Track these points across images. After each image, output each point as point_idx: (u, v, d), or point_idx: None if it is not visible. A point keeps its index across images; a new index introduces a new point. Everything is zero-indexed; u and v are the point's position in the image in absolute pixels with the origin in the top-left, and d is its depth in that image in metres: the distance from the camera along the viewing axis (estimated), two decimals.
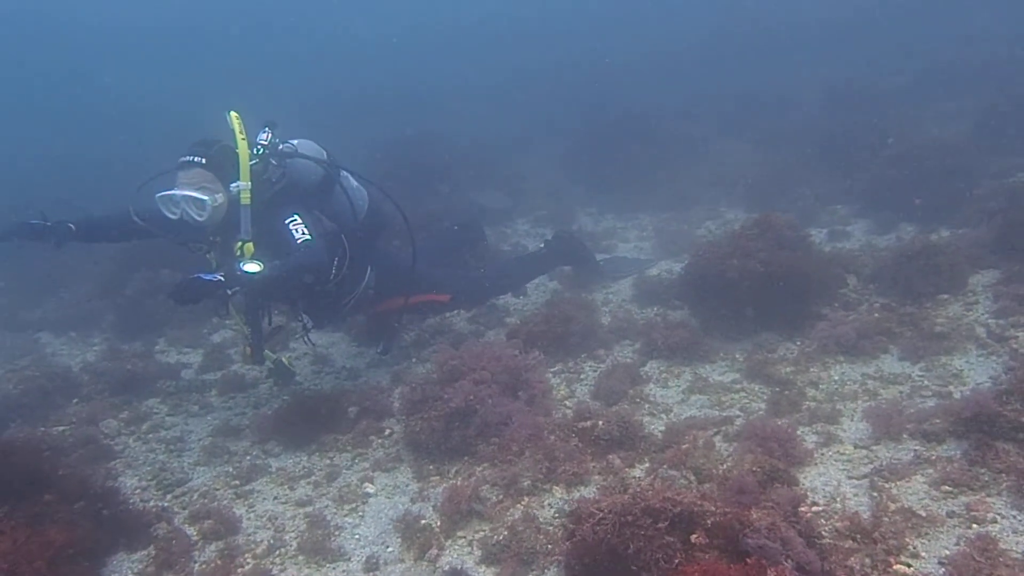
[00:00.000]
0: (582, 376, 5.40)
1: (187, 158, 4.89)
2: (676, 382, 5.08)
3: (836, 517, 3.02)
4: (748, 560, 2.30)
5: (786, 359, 5.06)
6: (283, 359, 5.66)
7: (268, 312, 5.54)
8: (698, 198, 10.28)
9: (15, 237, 5.15)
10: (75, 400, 6.12)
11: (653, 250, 8.52)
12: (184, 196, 4.81)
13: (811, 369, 4.83)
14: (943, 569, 2.75)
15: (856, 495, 3.36)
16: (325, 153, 5.48)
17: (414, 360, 6.27)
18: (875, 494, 3.29)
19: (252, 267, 4.60)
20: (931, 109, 12.08)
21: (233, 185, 4.87)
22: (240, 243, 4.87)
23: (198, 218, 4.86)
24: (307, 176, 5.34)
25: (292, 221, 4.94)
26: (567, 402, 4.99)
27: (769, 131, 12.32)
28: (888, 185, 8.22)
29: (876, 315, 5.32)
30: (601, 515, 2.76)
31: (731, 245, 5.92)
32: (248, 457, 4.93)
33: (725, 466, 3.57)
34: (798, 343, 5.27)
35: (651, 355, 5.51)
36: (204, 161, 4.86)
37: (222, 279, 4.42)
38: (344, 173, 5.57)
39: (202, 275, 4.42)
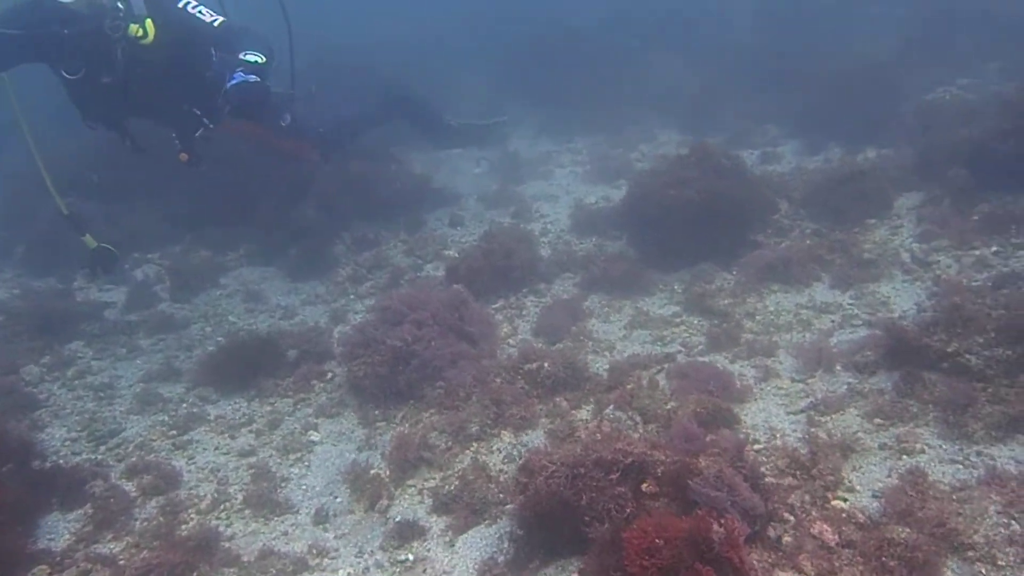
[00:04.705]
0: (524, 312, 5.39)
1: None
2: (617, 316, 5.13)
3: (777, 454, 3.15)
4: (698, 511, 2.37)
5: (724, 290, 5.15)
6: (107, 244, 5.44)
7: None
8: (631, 119, 10.15)
9: None
10: None
11: (587, 175, 8.44)
12: None
13: (748, 300, 4.95)
14: (876, 502, 2.91)
15: (794, 431, 3.51)
16: None
17: (352, 296, 6.16)
18: (812, 429, 3.44)
19: (253, 57, 4.27)
20: (862, 19, 12.07)
21: None
22: (138, 24, 4.43)
23: None
24: None
25: (187, 5, 4.62)
26: (511, 340, 4.99)
27: (700, 49, 12.08)
28: (816, 105, 8.30)
29: (808, 242, 5.45)
30: (553, 468, 2.79)
31: (668, 174, 5.92)
32: (184, 404, 4.80)
33: (670, 406, 3.65)
34: (734, 272, 5.37)
35: (592, 289, 5.53)
36: None
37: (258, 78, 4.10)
38: None
39: (240, 80, 4.07)
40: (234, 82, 4.11)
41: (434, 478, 3.68)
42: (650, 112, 10.29)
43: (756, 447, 3.28)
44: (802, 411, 3.61)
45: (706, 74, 10.79)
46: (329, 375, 4.90)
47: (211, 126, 5.17)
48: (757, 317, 4.73)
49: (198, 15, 4.63)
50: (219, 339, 5.65)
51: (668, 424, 3.43)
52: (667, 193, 5.67)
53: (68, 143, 7.87)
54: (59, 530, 3.66)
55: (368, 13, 17.64)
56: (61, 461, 4.14)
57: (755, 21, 12.72)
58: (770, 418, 3.63)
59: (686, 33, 13.02)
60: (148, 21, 4.44)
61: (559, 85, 11.11)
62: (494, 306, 5.49)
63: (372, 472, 3.77)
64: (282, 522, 3.61)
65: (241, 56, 4.29)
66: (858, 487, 3.02)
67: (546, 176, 8.61)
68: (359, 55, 11.72)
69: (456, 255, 6.46)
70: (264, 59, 4.28)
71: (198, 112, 5.13)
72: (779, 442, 3.35)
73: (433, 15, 17.06)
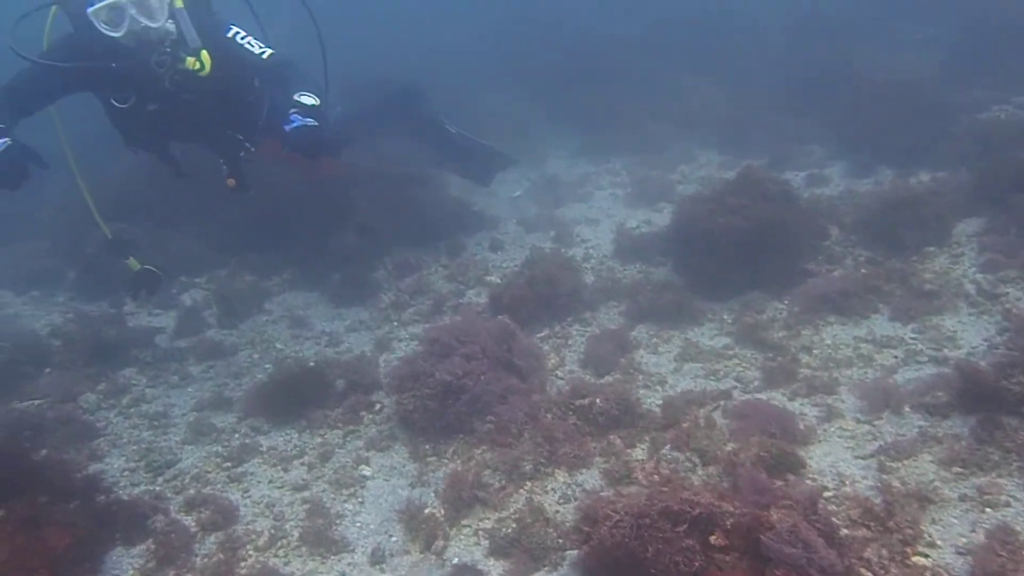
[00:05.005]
0: (570, 342, 5.34)
1: None
2: (666, 348, 5.06)
3: (848, 503, 3.05)
4: (774, 571, 2.30)
5: (776, 320, 5.05)
6: (150, 267, 5.55)
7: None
8: (669, 138, 10.07)
9: (22, 177, 4.20)
10: (47, 370, 5.87)
11: (627, 197, 8.37)
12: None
13: (803, 332, 4.84)
14: (962, 560, 2.79)
15: (865, 477, 3.39)
16: None
17: (395, 323, 6.16)
18: (884, 476, 3.33)
19: (307, 99, 4.28)
20: (901, 37, 11.87)
21: None
22: (194, 57, 4.45)
23: (153, 24, 4.35)
24: None
25: (236, 35, 4.64)
26: (558, 371, 4.95)
27: (733, 63, 11.85)
28: (861, 124, 8.15)
29: (863, 271, 5.32)
30: (618, 517, 2.75)
31: (715, 201, 5.84)
32: (236, 435, 4.82)
33: (729, 447, 3.58)
34: (786, 302, 5.26)
35: (639, 318, 5.46)
36: None
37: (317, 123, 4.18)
38: None
39: (299, 124, 4.12)
40: (294, 125, 4.16)
41: (489, 518, 3.64)
42: (687, 131, 10.18)
43: (825, 494, 3.19)
44: (871, 455, 3.50)
45: (743, 92, 10.67)
46: (377, 406, 4.89)
47: (252, 149, 5.25)
48: (814, 351, 4.62)
49: (247, 46, 4.68)
50: (267, 366, 5.69)
51: (730, 467, 3.36)
52: (715, 220, 5.59)
53: (115, 168, 8.03)
54: (123, 566, 3.69)
55: (397, 25, 17.76)
56: (123, 495, 4.18)
57: (789, 37, 12.57)
58: (837, 463, 3.52)
59: (719, 50, 12.85)
60: (204, 53, 4.51)
61: (594, 104, 11.07)
62: (539, 335, 5.45)
63: (426, 511, 3.75)
64: (339, 561, 3.59)
65: (296, 97, 4.32)
66: (939, 542, 2.89)
67: (585, 199, 8.57)
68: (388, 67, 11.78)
69: (498, 281, 6.45)
70: (319, 101, 4.31)
71: (240, 137, 5.21)
72: (849, 489, 3.25)
73: (464, 33, 17.08)
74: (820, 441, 3.71)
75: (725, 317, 5.30)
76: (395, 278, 6.91)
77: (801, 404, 4.09)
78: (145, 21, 4.32)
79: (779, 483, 3.04)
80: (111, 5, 4.24)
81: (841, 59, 10.12)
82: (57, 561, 3.30)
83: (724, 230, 5.51)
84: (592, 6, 16.49)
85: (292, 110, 4.25)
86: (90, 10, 4.27)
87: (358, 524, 3.84)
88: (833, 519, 2.82)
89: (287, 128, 4.13)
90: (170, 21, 4.49)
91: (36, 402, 5.41)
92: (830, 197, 6.89)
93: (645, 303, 5.47)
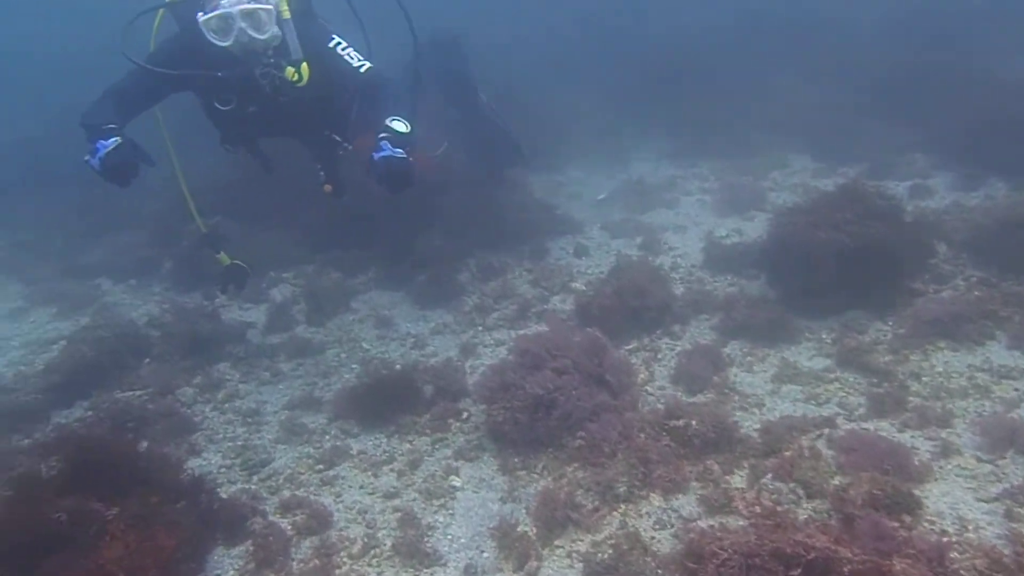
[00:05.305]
0: (660, 356, 5.24)
1: None
2: (762, 367, 4.90)
3: (972, 551, 2.87)
4: None
5: (880, 343, 4.83)
6: (239, 261, 5.65)
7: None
8: (759, 142, 9.76)
9: (132, 175, 4.26)
10: (146, 360, 6.10)
11: (716, 204, 8.14)
12: (245, 10, 4.28)
13: (911, 357, 4.61)
14: None
15: (990, 523, 3.20)
16: None
17: (480, 328, 6.16)
18: (1012, 524, 3.12)
19: (400, 125, 4.26)
20: (1013, 37, 11.19)
21: None
22: (294, 68, 4.48)
23: (260, 36, 4.39)
24: None
25: (337, 45, 4.66)
26: (648, 387, 4.85)
27: (827, 62, 11.42)
28: (969, 131, 7.71)
29: (976, 293, 5.03)
30: (726, 556, 2.66)
31: (814, 213, 5.62)
32: (327, 437, 4.89)
33: (836, 480, 3.43)
34: (890, 323, 5.03)
35: (731, 334, 5.31)
36: None
37: (405, 153, 4.15)
38: None
39: (388, 154, 4.10)
40: (383, 154, 4.09)
41: (583, 540, 3.58)
42: (779, 135, 9.84)
43: (944, 539, 3.01)
44: (996, 499, 3.29)
45: (838, 93, 10.25)
46: (464, 415, 4.89)
47: (349, 147, 5.30)
48: (924, 378, 4.38)
49: (347, 58, 4.72)
50: (354, 366, 5.77)
51: (838, 503, 3.21)
52: (816, 235, 5.37)
53: (210, 163, 8.24)
54: (224, 566, 3.78)
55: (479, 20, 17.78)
56: (222, 492, 4.29)
57: (886, 35, 12.00)
58: (957, 504, 3.32)
59: (813, 49, 12.35)
60: (304, 65, 4.56)
61: (680, 104, 10.86)
62: (627, 347, 5.36)
63: (519, 529, 3.71)
64: (432, 575, 3.60)
65: (388, 122, 4.25)
66: None
67: (672, 204, 8.40)
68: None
69: (583, 287, 6.39)
70: (410, 128, 4.26)
71: (337, 138, 5.27)
72: (973, 536, 3.06)
73: (546, 29, 16.93)
74: (937, 480, 3.51)
75: (824, 337, 5.09)
76: (479, 281, 6.92)
77: (913, 437, 3.89)
78: (253, 33, 4.39)
79: (898, 526, 2.88)
80: (222, 16, 4.32)
81: (944, 60, 9.63)
82: (166, 560, 3.40)
83: (824, 244, 5.28)
84: (676, 5, 16.14)
85: (382, 135, 4.19)
86: (200, 19, 4.36)
87: (449, 537, 3.83)
88: (960, 570, 2.66)
89: (375, 156, 4.10)
90: (276, 30, 4.56)
91: (137, 393, 5.64)
92: (936, 211, 6.55)
93: (739, 318, 5.31)
